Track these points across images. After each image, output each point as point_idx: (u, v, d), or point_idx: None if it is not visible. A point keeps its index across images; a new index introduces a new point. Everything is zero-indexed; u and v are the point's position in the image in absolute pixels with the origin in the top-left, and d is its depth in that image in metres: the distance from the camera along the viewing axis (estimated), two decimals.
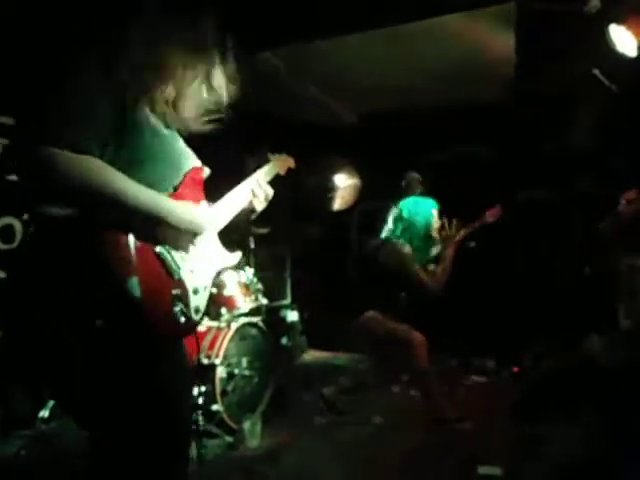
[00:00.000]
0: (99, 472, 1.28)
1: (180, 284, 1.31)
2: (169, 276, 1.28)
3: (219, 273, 1.57)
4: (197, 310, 1.37)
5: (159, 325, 1.24)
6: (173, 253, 1.31)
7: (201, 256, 1.42)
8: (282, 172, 1.93)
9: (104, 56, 1.23)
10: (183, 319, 1.29)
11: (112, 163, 1.20)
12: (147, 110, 1.32)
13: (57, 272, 1.16)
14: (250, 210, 1.68)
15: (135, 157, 1.26)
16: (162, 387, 1.28)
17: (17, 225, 2.84)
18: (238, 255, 1.60)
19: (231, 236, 1.59)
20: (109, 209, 1.18)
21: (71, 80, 1.20)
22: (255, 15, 2.88)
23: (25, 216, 2.86)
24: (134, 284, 1.16)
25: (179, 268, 1.32)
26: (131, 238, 1.21)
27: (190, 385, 2.32)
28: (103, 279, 1.15)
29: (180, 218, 1.30)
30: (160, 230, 1.28)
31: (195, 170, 1.44)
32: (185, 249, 1.36)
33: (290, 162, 1.99)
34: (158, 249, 1.27)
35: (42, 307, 1.17)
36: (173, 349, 1.36)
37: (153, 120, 1.33)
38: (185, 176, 1.39)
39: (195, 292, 1.36)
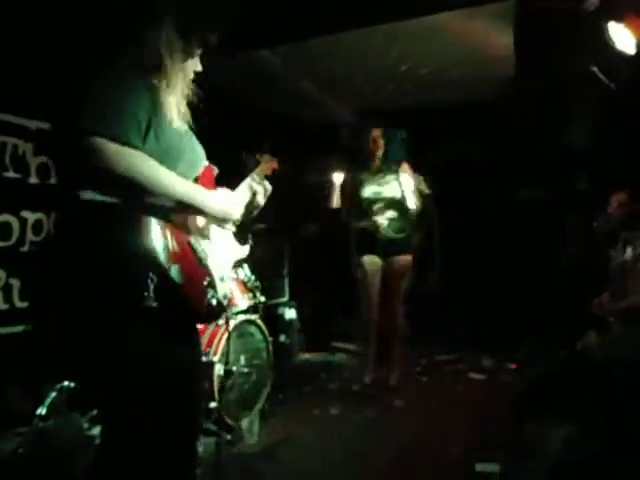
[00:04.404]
0: (112, 458, 1.34)
1: (209, 272, 1.45)
2: (200, 264, 1.43)
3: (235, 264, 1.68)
4: (225, 296, 1.51)
5: (196, 309, 1.39)
6: (201, 243, 1.44)
7: (220, 247, 1.56)
8: (269, 173, 2.03)
9: (138, 53, 1.33)
10: (215, 302, 1.42)
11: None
12: (172, 108, 1.40)
13: (103, 258, 1.25)
14: (254, 206, 1.79)
15: (163, 152, 1.35)
16: (191, 366, 1.44)
17: (15, 223, 2.83)
18: (247, 248, 1.77)
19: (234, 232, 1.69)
20: (149, 198, 1.27)
21: (110, 75, 1.29)
22: (253, 13, 2.87)
23: (23, 213, 2.86)
24: (176, 271, 1.27)
25: (206, 257, 1.44)
26: (169, 228, 1.31)
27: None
28: (150, 266, 1.24)
29: (214, 207, 1.43)
30: (192, 217, 1.42)
31: (208, 168, 1.56)
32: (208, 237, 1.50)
33: (274, 163, 2.08)
34: (190, 239, 1.40)
35: (85, 291, 1.27)
36: (194, 334, 1.50)
37: (176, 119, 1.41)
38: (201, 173, 1.50)
39: (222, 280, 1.51)
